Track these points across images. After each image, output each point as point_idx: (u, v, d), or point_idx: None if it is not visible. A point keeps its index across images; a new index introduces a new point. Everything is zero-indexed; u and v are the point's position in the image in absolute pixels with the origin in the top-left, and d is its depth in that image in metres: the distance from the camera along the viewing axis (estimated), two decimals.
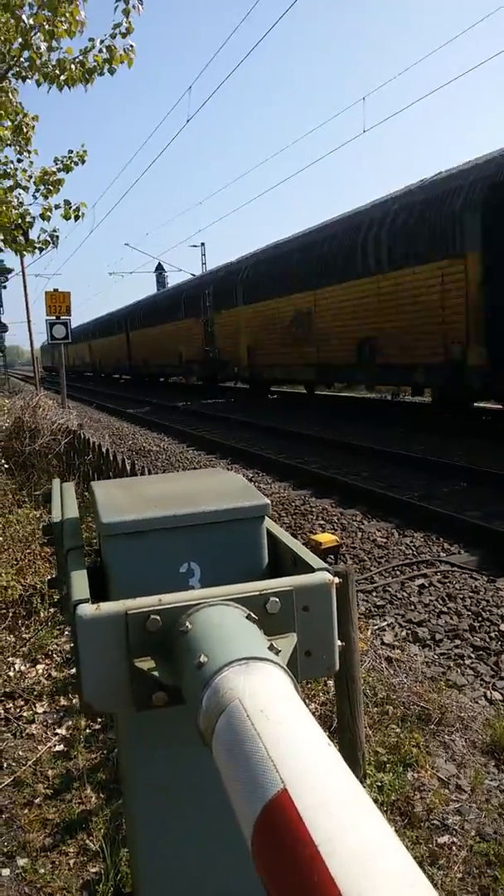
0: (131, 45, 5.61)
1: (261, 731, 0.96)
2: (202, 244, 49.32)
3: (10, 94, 5.39)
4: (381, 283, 13.64)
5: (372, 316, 13.91)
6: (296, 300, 17.31)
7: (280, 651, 1.29)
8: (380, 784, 2.65)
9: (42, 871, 2.36)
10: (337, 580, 1.54)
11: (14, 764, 2.94)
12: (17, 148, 5.84)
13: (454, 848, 2.37)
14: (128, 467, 5.95)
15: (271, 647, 1.24)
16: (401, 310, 13.01)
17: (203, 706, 1.09)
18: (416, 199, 13.09)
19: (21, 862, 2.40)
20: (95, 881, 2.29)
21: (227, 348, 21.79)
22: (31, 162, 5.99)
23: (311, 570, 1.54)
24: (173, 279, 58.53)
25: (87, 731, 3.10)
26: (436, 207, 12.25)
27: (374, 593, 4.93)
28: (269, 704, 1.02)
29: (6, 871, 2.37)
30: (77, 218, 6.19)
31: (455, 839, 2.41)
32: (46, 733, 3.15)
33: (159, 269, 57.48)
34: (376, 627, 4.25)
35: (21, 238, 6.16)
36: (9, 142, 5.70)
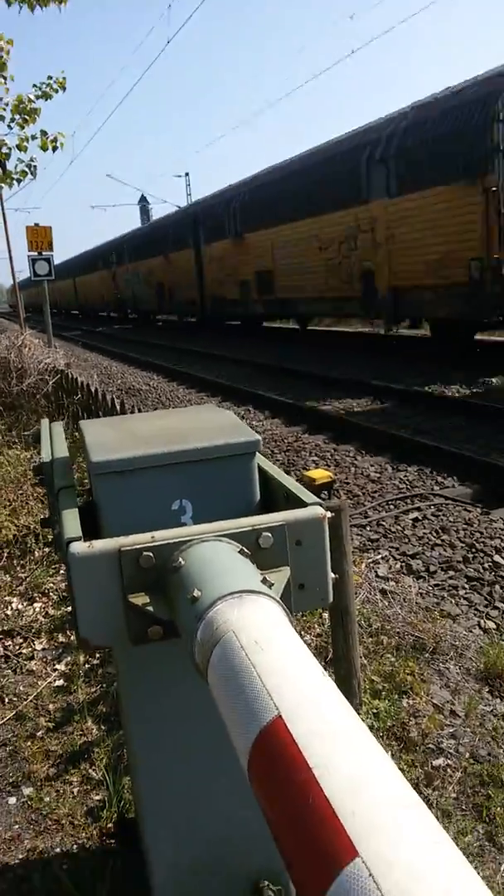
0: None
1: (255, 662, 0.97)
2: (187, 174, 48.14)
3: None
4: None
5: None
6: None
7: (273, 584, 1.30)
8: (375, 711, 2.72)
9: (47, 799, 2.43)
10: (329, 514, 1.54)
11: (15, 699, 3.00)
12: None
13: (449, 770, 2.45)
14: (117, 406, 5.92)
15: (264, 581, 1.25)
16: None
17: (198, 639, 1.10)
18: None
19: (26, 791, 2.47)
20: (99, 808, 2.36)
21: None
22: (7, 89, 5.77)
23: (303, 505, 1.54)
24: (158, 211, 57.07)
25: (86, 666, 3.16)
26: None
27: (369, 527, 4.98)
28: (263, 635, 1.03)
29: (13, 800, 2.44)
30: (55, 149, 5.99)
31: (450, 761, 2.49)
32: (46, 669, 3.21)
33: (143, 201, 55.99)
34: (370, 561, 4.30)
35: None
36: None
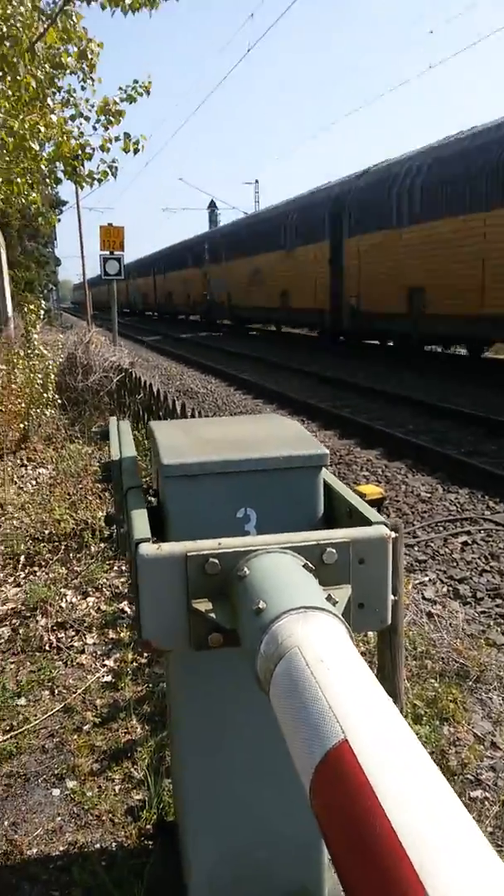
0: None
1: (320, 680, 0.96)
2: (256, 181, 48.44)
3: (74, 19, 5.24)
4: None
5: None
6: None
7: (337, 602, 1.29)
8: (416, 736, 2.68)
9: (89, 794, 2.45)
10: (394, 534, 1.52)
11: (64, 691, 3.04)
12: (81, 76, 5.71)
13: (486, 803, 2.39)
14: (178, 408, 5.96)
15: (329, 598, 1.24)
16: None
17: (261, 652, 1.10)
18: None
19: (70, 784, 2.50)
20: (139, 807, 2.38)
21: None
22: (94, 90, 5.87)
23: (368, 522, 1.52)
24: (226, 217, 58.20)
25: (134, 664, 3.19)
26: None
27: (417, 548, 4.91)
28: (328, 654, 1.02)
29: (56, 791, 2.48)
30: (136, 151, 6.07)
31: (488, 794, 2.43)
32: (95, 664, 3.24)
33: (212, 206, 56.49)
34: (417, 582, 4.24)
35: (81, 169, 6.08)
36: (72, 69, 5.56)
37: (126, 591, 3.85)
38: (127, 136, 5.96)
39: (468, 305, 12.00)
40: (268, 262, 21.88)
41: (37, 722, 2.84)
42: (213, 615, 1.33)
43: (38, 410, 7.35)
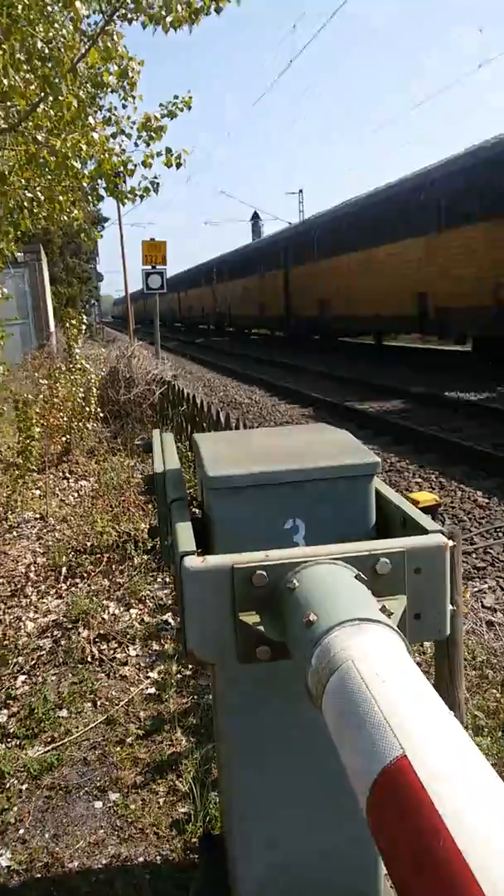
0: None
1: (376, 695, 0.93)
2: (300, 191, 48.65)
3: (115, 38, 5.30)
4: None
5: None
6: None
7: (392, 613, 1.25)
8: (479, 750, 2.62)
9: (133, 806, 2.43)
10: (451, 543, 1.48)
11: (107, 703, 3.03)
12: (122, 94, 5.77)
13: None
14: (222, 419, 5.95)
15: (383, 609, 1.21)
16: None
17: (313, 665, 1.07)
18: None
19: (113, 797, 2.49)
20: (184, 821, 2.35)
21: None
22: (136, 108, 5.91)
23: (423, 531, 1.48)
24: (270, 228, 58.83)
25: (178, 676, 3.17)
26: None
27: (475, 555, 4.80)
28: (384, 667, 0.99)
29: (99, 804, 2.46)
30: (178, 166, 6.11)
31: None
32: (139, 675, 3.23)
33: (255, 218, 56.79)
34: (476, 590, 4.16)
35: (122, 185, 6.13)
36: (113, 88, 5.63)
37: (170, 602, 3.84)
38: (168, 150, 6.00)
39: (344, 309, 20.01)
40: (252, 282, 30.09)
41: (79, 734, 2.84)
42: (260, 628, 1.31)
43: (80, 424, 7.43)
